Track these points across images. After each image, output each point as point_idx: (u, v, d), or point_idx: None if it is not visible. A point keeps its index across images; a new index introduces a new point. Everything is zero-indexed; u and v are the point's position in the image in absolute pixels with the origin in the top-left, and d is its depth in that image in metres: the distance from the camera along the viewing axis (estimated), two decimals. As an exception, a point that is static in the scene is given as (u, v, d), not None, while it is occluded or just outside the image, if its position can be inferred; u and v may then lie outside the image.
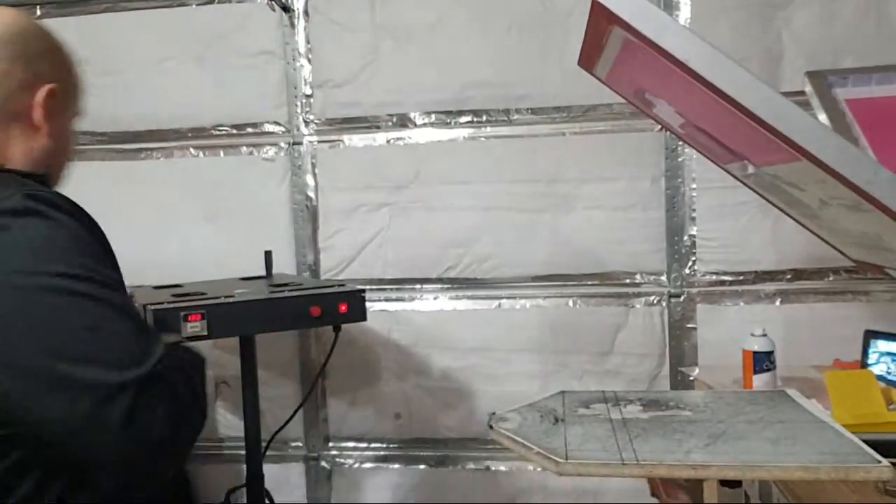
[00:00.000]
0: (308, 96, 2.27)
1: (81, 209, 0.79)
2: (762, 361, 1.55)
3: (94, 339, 0.68)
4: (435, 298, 2.26)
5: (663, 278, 2.15)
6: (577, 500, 2.19)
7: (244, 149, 2.31)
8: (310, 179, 2.29)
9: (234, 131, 2.31)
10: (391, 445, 2.31)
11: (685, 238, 2.13)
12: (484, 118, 2.20)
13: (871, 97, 1.53)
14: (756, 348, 1.55)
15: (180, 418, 0.72)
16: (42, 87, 0.91)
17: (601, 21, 1.02)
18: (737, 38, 2.02)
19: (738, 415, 1.18)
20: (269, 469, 1.93)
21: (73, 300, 0.68)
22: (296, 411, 2.08)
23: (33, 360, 0.66)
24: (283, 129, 2.29)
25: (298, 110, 2.28)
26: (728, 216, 2.08)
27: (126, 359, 0.69)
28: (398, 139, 2.25)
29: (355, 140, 2.27)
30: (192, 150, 2.33)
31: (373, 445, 2.33)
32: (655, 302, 2.15)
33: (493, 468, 2.26)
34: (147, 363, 0.70)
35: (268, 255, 2.07)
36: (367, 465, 2.33)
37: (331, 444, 2.35)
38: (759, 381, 1.55)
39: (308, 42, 2.25)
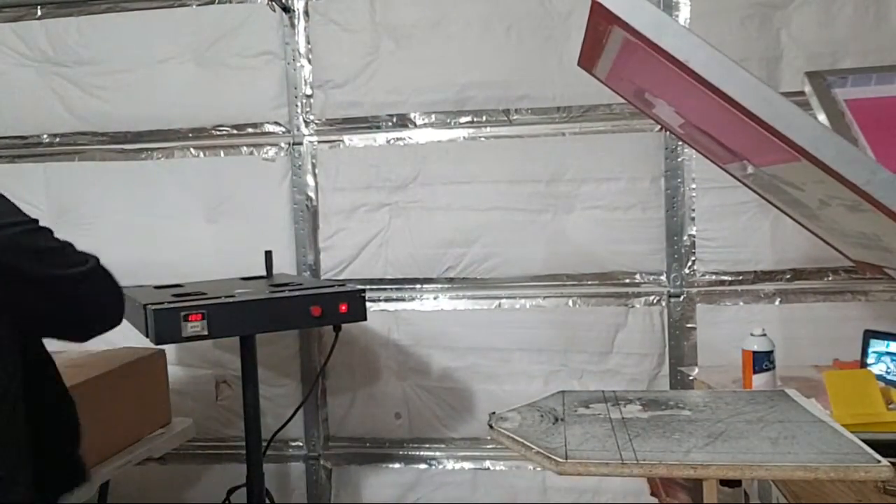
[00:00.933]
0: (308, 96, 2.27)
1: None
2: (762, 361, 1.55)
3: (64, 252, 1.02)
4: (435, 298, 2.26)
5: (663, 278, 2.15)
6: (576, 499, 2.19)
7: (244, 149, 2.31)
8: (310, 179, 2.29)
9: (235, 131, 2.31)
10: (391, 445, 2.32)
11: (685, 238, 2.14)
12: (484, 118, 2.20)
13: (871, 97, 1.53)
14: (755, 348, 1.55)
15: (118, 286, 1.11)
16: None
17: (601, 21, 1.02)
18: (736, 38, 2.02)
19: (738, 414, 1.19)
20: (269, 469, 1.93)
21: (43, 233, 1.00)
22: (296, 411, 2.09)
23: (40, 273, 0.97)
24: (284, 130, 2.29)
25: (298, 110, 2.28)
26: (728, 216, 2.08)
27: (82, 259, 1.04)
28: (398, 139, 2.25)
29: (355, 140, 2.27)
30: (192, 150, 2.33)
31: (373, 445, 2.33)
32: (655, 302, 2.15)
33: (493, 468, 2.26)
34: (90, 259, 1.05)
35: (268, 255, 2.07)
36: (367, 465, 2.33)
37: (331, 444, 2.35)
38: (759, 380, 1.55)
39: (308, 42, 2.25)
